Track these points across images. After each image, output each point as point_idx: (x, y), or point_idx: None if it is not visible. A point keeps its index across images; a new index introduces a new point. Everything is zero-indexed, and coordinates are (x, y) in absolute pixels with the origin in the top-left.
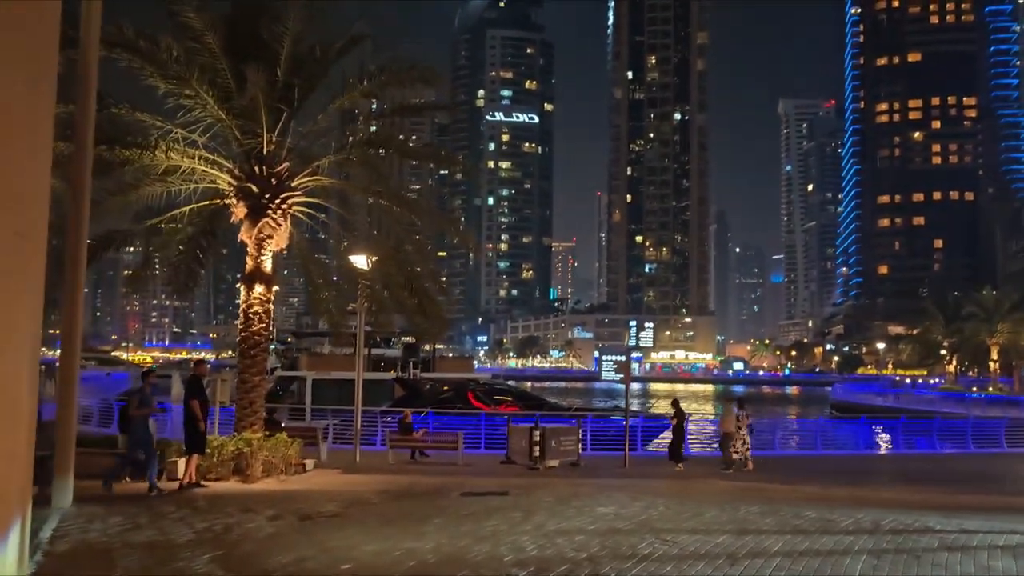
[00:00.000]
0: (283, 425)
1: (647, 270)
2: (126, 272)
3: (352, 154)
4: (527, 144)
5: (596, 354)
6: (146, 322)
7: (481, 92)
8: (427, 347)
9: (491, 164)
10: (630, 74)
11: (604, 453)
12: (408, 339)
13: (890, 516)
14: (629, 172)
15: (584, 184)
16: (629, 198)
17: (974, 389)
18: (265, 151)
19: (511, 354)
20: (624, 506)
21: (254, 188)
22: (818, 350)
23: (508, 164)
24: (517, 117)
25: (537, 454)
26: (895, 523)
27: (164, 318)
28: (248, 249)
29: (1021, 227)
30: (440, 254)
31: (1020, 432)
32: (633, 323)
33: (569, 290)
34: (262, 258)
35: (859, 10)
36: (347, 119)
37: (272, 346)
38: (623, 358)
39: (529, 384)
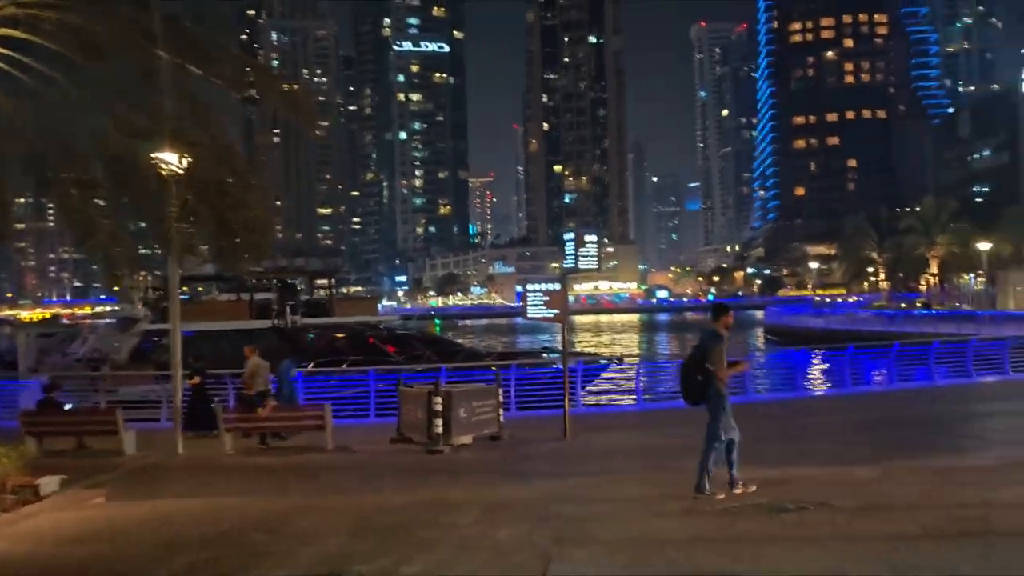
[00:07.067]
0: (67, 408)
1: (567, 200)
2: None
3: None
4: (438, 74)
5: (518, 288)
6: (43, 277)
7: (387, 21)
8: (326, 288)
9: (401, 97)
10: None
11: (534, 413)
12: (291, 279)
13: None
14: (545, 100)
15: (500, 117)
16: (546, 127)
17: (903, 305)
18: None
19: (431, 293)
20: None
21: None
22: (739, 274)
23: (419, 96)
24: (426, 46)
25: (439, 430)
26: None
27: (63, 272)
28: None
29: (955, 135)
30: (352, 193)
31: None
32: (570, 236)
33: (488, 226)
34: None
35: None
36: None
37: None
38: (556, 286)
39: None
